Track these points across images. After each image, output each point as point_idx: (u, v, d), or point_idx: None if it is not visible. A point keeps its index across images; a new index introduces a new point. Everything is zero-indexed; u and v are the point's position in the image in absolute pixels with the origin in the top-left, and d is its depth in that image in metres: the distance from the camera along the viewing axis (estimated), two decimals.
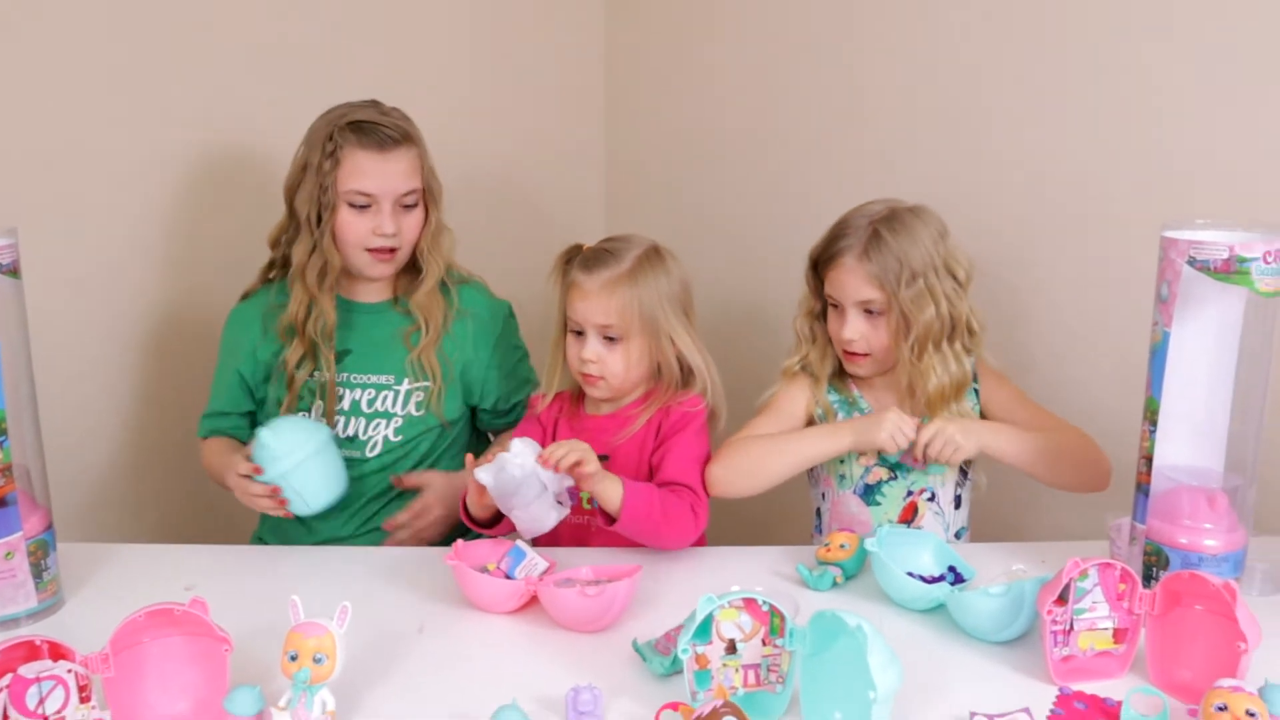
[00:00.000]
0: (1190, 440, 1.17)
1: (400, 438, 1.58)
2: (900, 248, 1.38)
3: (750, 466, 1.41)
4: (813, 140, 1.97)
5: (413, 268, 1.60)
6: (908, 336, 1.40)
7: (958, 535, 1.51)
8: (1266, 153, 1.40)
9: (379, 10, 2.02)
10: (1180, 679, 1.03)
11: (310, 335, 1.54)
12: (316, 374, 1.56)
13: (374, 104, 1.56)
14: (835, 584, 1.27)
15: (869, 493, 1.48)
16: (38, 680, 0.92)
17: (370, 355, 1.58)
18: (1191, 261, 1.10)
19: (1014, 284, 1.68)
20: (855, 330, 1.43)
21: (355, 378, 1.58)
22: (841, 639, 0.93)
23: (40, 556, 1.17)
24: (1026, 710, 0.99)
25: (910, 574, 1.22)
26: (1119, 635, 1.05)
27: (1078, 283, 1.62)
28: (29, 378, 1.19)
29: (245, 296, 1.65)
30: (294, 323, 1.54)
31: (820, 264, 1.46)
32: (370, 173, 1.50)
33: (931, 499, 1.47)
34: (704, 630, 0.98)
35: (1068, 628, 1.04)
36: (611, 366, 1.40)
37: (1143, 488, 1.18)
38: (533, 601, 1.19)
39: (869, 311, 1.42)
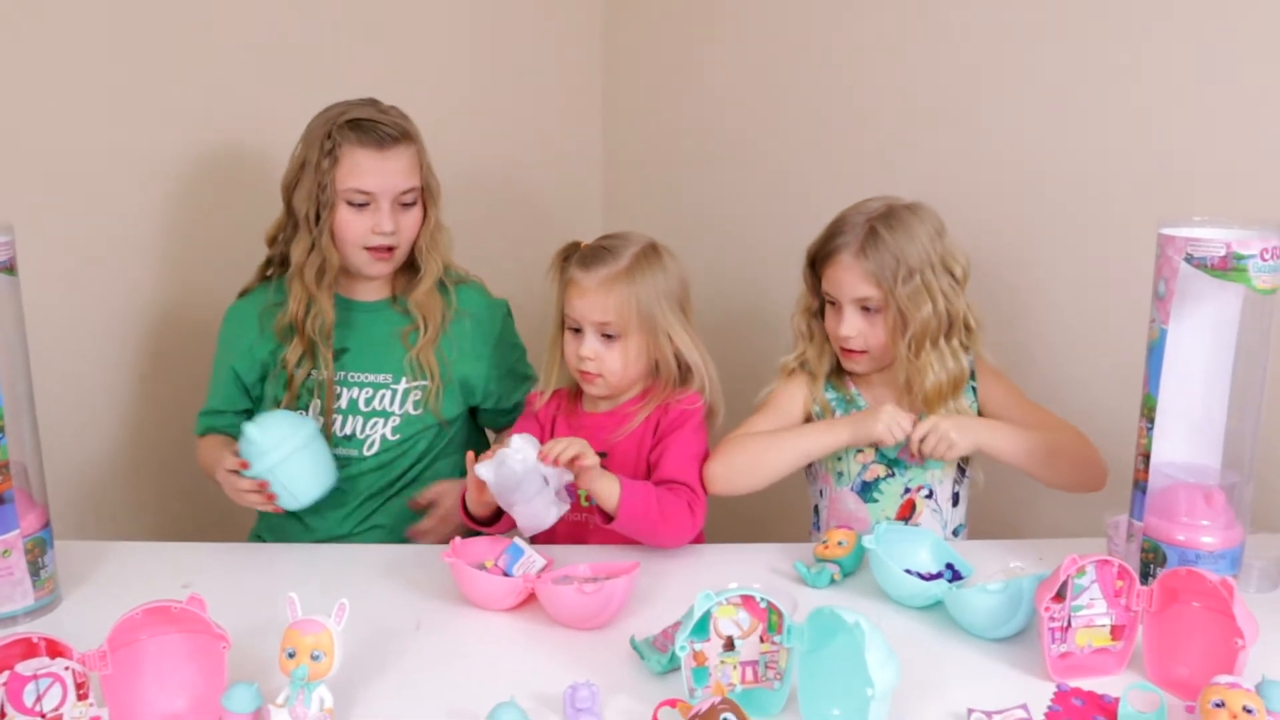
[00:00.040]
0: (1187, 437, 1.18)
1: (398, 437, 1.58)
2: (897, 245, 1.38)
3: (748, 463, 1.41)
4: (811, 139, 1.97)
5: (411, 266, 1.60)
6: (905, 334, 1.40)
7: (955, 532, 1.51)
8: (1265, 152, 1.40)
9: (378, 9, 2.02)
10: (1178, 675, 1.03)
11: (309, 334, 1.53)
12: (314, 372, 1.56)
13: (372, 102, 1.55)
14: (833, 581, 1.27)
15: (867, 490, 1.48)
16: (35, 678, 0.92)
17: (368, 354, 1.58)
18: (1189, 259, 1.11)
19: (1013, 283, 1.68)
20: (852, 327, 1.43)
21: (353, 376, 1.58)
22: (839, 636, 0.94)
23: (37, 554, 1.17)
24: (1024, 707, 1.00)
25: (908, 571, 1.22)
26: (1116, 632, 1.05)
27: (1076, 282, 1.62)
28: (26, 375, 1.19)
29: (243, 294, 1.65)
30: (293, 321, 1.53)
31: (817, 261, 1.46)
32: (369, 171, 1.50)
33: (929, 496, 1.47)
34: (702, 627, 0.98)
35: (1065, 624, 1.04)
36: (609, 364, 1.40)
37: (1140, 485, 1.18)
38: (530, 599, 1.19)
39: (866, 309, 1.43)
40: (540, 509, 1.26)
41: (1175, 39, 1.47)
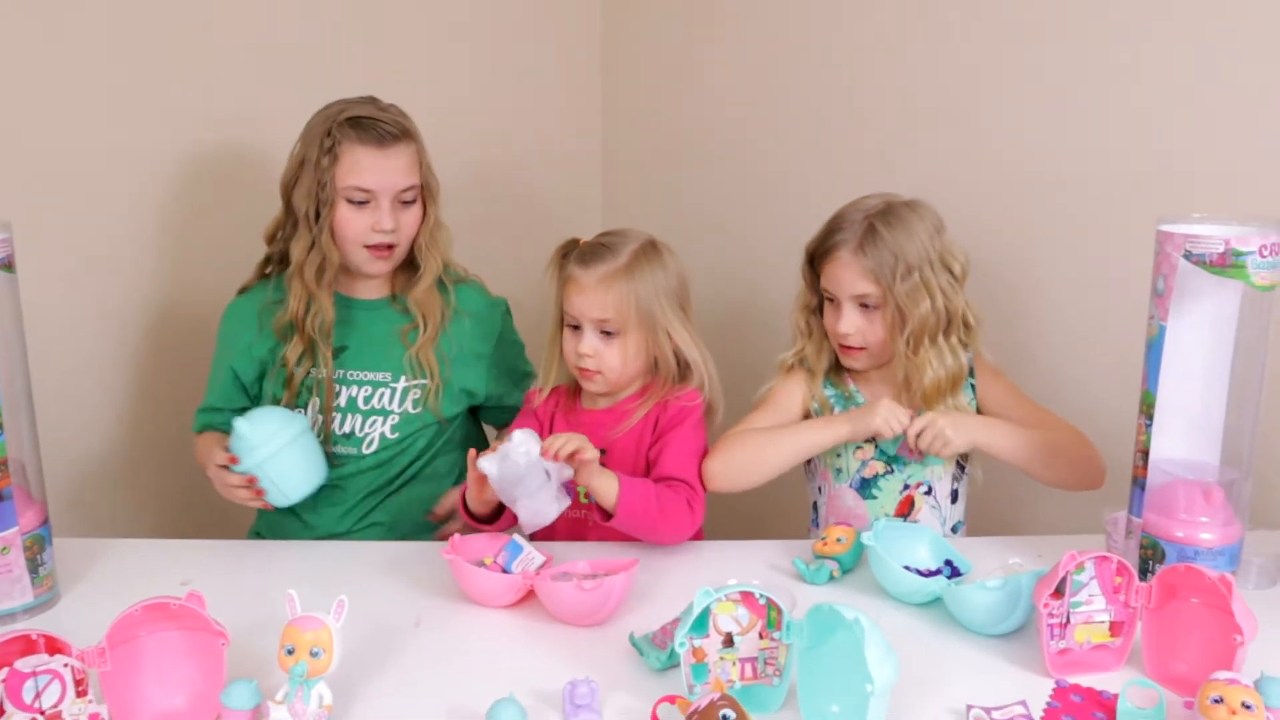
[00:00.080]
0: (1186, 434, 1.18)
1: (397, 435, 1.58)
2: (896, 242, 1.38)
3: (747, 459, 1.41)
4: (811, 139, 1.97)
5: (410, 265, 1.60)
6: (903, 330, 1.40)
7: (954, 529, 1.51)
8: (1265, 152, 1.40)
9: (377, 9, 2.02)
10: (1176, 672, 1.03)
11: (309, 332, 1.53)
12: (314, 371, 1.56)
13: (372, 100, 1.55)
14: (832, 578, 1.27)
15: (866, 487, 1.48)
16: (34, 674, 0.92)
17: (368, 352, 1.58)
18: (1187, 255, 1.11)
19: (1013, 283, 1.68)
20: (851, 324, 1.43)
21: (352, 374, 1.58)
22: (838, 632, 0.94)
23: (36, 551, 1.17)
24: (1023, 703, 1.00)
25: (907, 568, 1.22)
26: (1115, 628, 1.05)
27: (1076, 282, 1.62)
28: (24, 372, 1.19)
29: (242, 291, 1.65)
30: (293, 319, 1.53)
31: (816, 258, 1.46)
32: (369, 169, 1.50)
33: (928, 493, 1.48)
34: (701, 624, 0.98)
35: (1064, 621, 1.04)
36: (608, 361, 1.40)
37: (1139, 481, 1.18)
38: (529, 595, 1.19)
39: (864, 305, 1.43)
40: (543, 503, 1.26)
41: (1175, 39, 1.47)
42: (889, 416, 1.38)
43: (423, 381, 1.57)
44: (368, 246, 1.53)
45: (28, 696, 0.92)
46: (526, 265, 1.63)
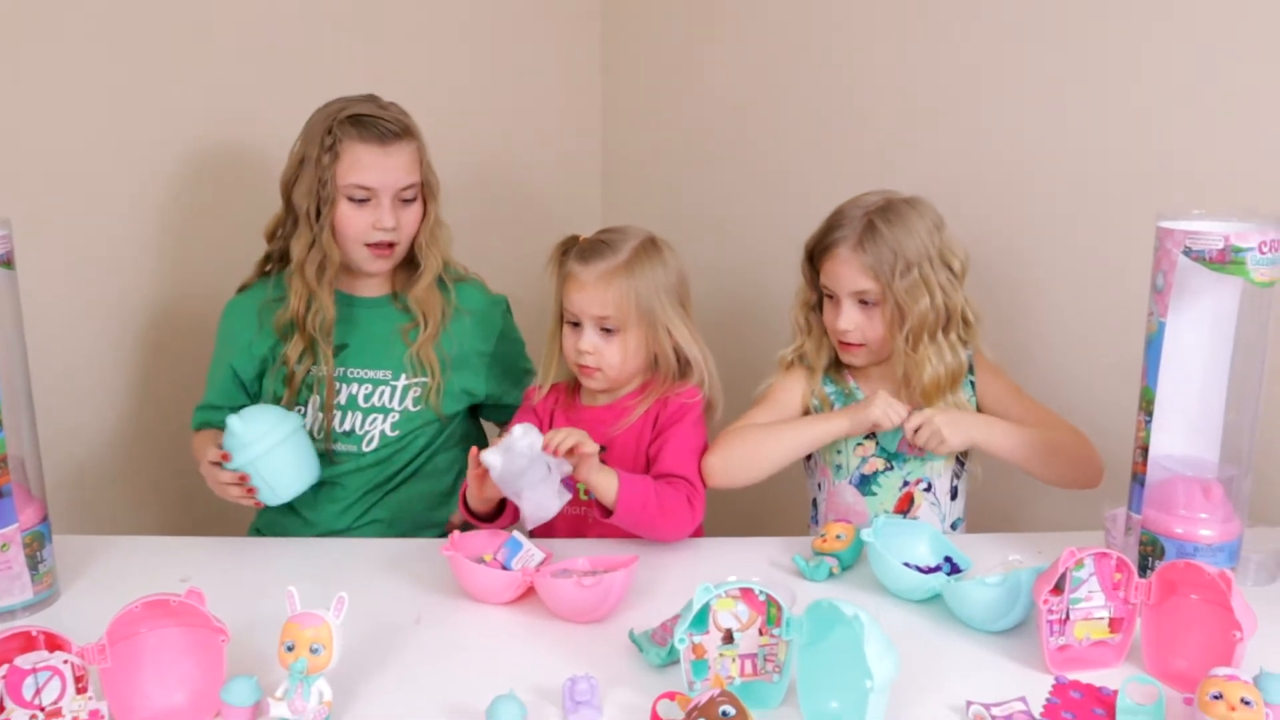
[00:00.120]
0: (1186, 430, 1.18)
1: (397, 433, 1.58)
2: (895, 238, 1.38)
3: (747, 455, 1.41)
4: (810, 137, 1.97)
5: (410, 263, 1.60)
6: (903, 327, 1.40)
7: (954, 526, 1.51)
8: (1264, 151, 1.40)
9: (377, 8, 2.02)
10: (1176, 668, 1.03)
11: (309, 330, 1.53)
12: (314, 369, 1.56)
13: (372, 98, 1.55)
14: (831, 574, 1.27)
15: (865, 483, 1.48)
16: (34, 671, 0.92)
17: (368, 350, 1.58)
18: (1187, 251, 1.11)
19: (1012, 281, 1.68)
20: (850, 321, 1.43)
21: (353, 372, 1.58)
22: (838, 628, 0.94)
23: (36, 548, 1.17)
24: (1022, 699, 1.00)
25: (906, 564, 1.22)
26: (1115, 625, 1.06)
27: (1076, 280, 1.63)
28: (24, 370, 1.19)
29: (242, 289, 1.65)
30: (294, 318, 1.53)
31: (815, 255, 1.46)
32: (370, 166, 1.50)
33: (928, 489, 1.48)
34: (701, 620, 0.98)
35: (1063, 617, 1.04)
36: (608, 358, 1.40)
37: (1138, 478, 1.18)
38: (529, 592, 1.19)
39: (864, 302, 1.43)
40: (545, 497, 1.26)
41: (1175, 39, 1.47)
42: (886, 407, 1.38)
43: (423, 379, 1.57)
44: (368, 244, 1.53)
45: (28, 693, 0.92)
46: (526, 263, 1.63)
